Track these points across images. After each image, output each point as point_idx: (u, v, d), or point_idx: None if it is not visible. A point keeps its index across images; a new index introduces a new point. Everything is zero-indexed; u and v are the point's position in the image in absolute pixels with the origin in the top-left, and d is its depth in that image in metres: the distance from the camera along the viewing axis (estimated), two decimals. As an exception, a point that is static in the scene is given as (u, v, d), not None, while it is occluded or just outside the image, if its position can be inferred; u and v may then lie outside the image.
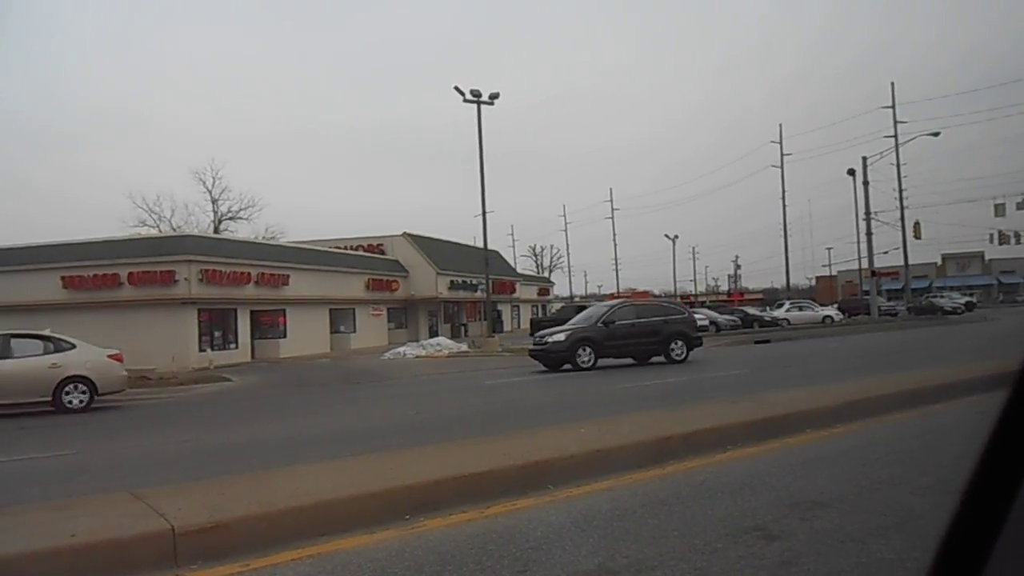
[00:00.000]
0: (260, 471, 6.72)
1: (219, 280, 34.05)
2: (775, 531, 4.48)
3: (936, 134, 48.14)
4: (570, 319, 37.85)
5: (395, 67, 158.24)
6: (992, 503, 0.86)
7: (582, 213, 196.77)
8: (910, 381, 11.09)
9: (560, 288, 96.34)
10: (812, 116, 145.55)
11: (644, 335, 20.14)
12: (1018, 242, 63.02)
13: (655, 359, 20.31)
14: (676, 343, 20.34)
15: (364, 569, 4.18)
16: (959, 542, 0.89)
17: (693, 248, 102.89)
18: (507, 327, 62.35)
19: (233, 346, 35.31)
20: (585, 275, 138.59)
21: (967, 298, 61.11)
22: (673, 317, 20.95)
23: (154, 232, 55.77)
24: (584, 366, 19.24)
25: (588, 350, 19.50)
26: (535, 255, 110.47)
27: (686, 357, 20.17)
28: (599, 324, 20.01)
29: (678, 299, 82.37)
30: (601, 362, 19.54)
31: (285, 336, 38.86)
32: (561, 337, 19.88)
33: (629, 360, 20.25)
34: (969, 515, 0.90)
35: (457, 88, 34.09)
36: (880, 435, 7.87)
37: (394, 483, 5.49)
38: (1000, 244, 62.17)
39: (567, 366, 19.38)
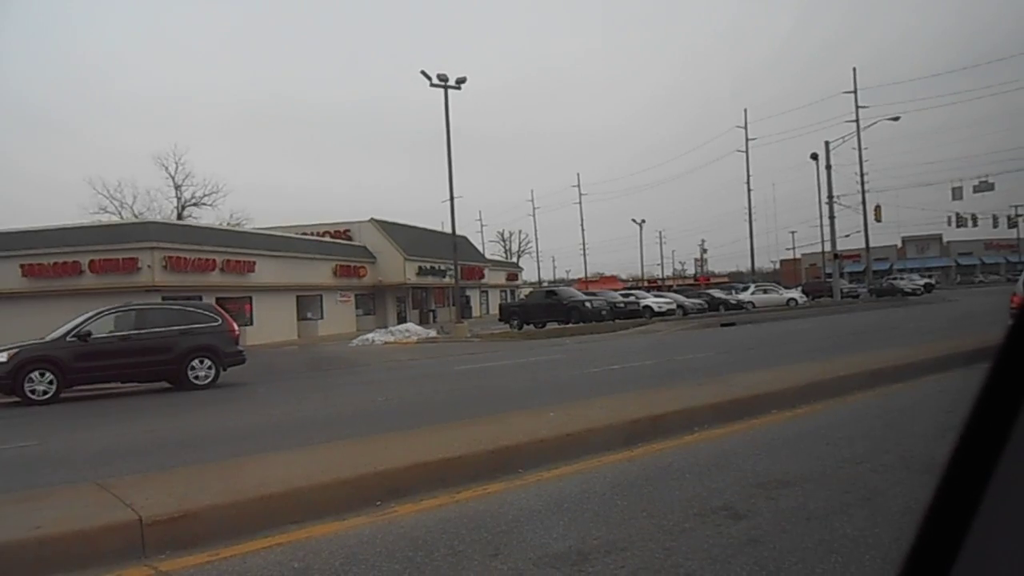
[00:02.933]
0: (229, 460, 6.66)
1: (183, 267, 33.59)
2: (742, 510, 4.56)
3: (896, 119, 48.90)
4: (538, 304, 38.52)
5: (361, 50, 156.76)
6: (970, 484, 0.89)
7: (551, 198, 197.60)
8: (872, 362, 11.31)
9: (529, 273, 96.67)
10: (780, 102, 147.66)
11: (147, 351, 15.46)
12: (975, 225, 64.56)
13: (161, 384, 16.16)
14: (200, 361, 15.81)
15: (335, 556, 4.18)
16: (937, 523, 0.92)
17: (660, 233, 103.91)
18: (476, 313, 62.36)
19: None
20: (553, 260, 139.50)
21: (926, 280, 62.44)
22: (198, 326, 16.14)
23: (115, 219, 54.78)
24: (37, 398, 14.32)
25: (47, 376, 14.57)
26: (503, 240, 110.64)
27: (215, 380, 15.91)
28: (69, 338, 15.06)
29: (645, 282, 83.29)
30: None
31: (251, 323, 38.40)
32: (3, 358, 14.48)
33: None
34: (947, 497, 0.92)
35: (424, 72, 33.83)
36: (843, 415, 8.03)
37: (364, 470, 5.49)
38: (958, 227, 63.73)
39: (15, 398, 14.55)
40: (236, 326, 17.26)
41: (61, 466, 7.64)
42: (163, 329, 15.88)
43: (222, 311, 17.44)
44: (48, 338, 15.29)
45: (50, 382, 14.62)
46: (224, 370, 16.35)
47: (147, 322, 15.97)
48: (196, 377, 15.73)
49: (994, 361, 0.91)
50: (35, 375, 14.56)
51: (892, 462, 5.65)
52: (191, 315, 16.63)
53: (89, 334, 15.16)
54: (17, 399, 14.51)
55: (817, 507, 4.58)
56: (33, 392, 14.44)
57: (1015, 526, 0.85)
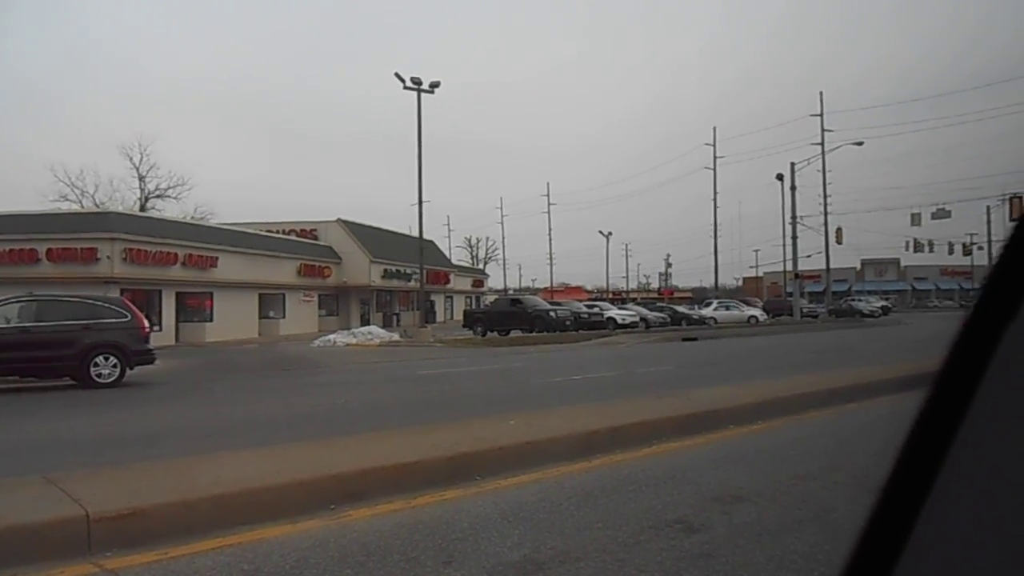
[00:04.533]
0: (181, 457, 6.54)
1: (143, 260, 32.98)
2: (696, 524, 4.60)
3: (860, 143, 49.92)
4: (502, 312, 38.52)
5: (333, 49, 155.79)
6: (907, 503, 0.92)
7: (519, 206, 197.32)
8: (828, 381, 11.51)
9: (495, 280, 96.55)
10: (752, 121, 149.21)
11: (46, 345, 14.58)
12: (931, 250, 66.10)
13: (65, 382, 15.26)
14: (104, 359, 14.95)
15: (287, 559, 4.13)
16: (875, 540, 0.95)
17: (627, 245, 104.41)
18: (440, 318, 62.13)
19: (157, 328, 34.02)
20: (520, 268, 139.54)
21: (884, 302, 63.72)
22: (104, 321, 15.23)
23: (76, 208, 53.64)
24: None
25: None
26: (470, 246, 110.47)
27: (120, 378, 15.10)
28: None
29: (609, 294, 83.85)
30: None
31: (212, 320, 37.87)
32: None
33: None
34: (885, 514, 0.95)
35: (397, 75, 33.69)
36: (798, 432, 8.15)
37: (321, 472, 5.44)
38: (915, 252, 65.18)
39: None
40: (147, 323, 16.46)
41: (7, 457, 7.44)
42: (65, 323, 14.98)
43: (132, 307, 16.57)
44: None
45: None
46: (131, 368, 15.50)
47: (49, 314, 15.12)
48: (99, 375, 14.89)
49: (932, 383, 0.95)
50: None
51: (844, 480, 5.74)
52: (97, 309, 15.65)
53: None
54: None
55: (770, 523, 4.63)
56: None
57: (948, 542, 0.88)
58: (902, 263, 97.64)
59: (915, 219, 57.49)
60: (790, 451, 7.02)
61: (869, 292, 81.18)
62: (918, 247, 64.93)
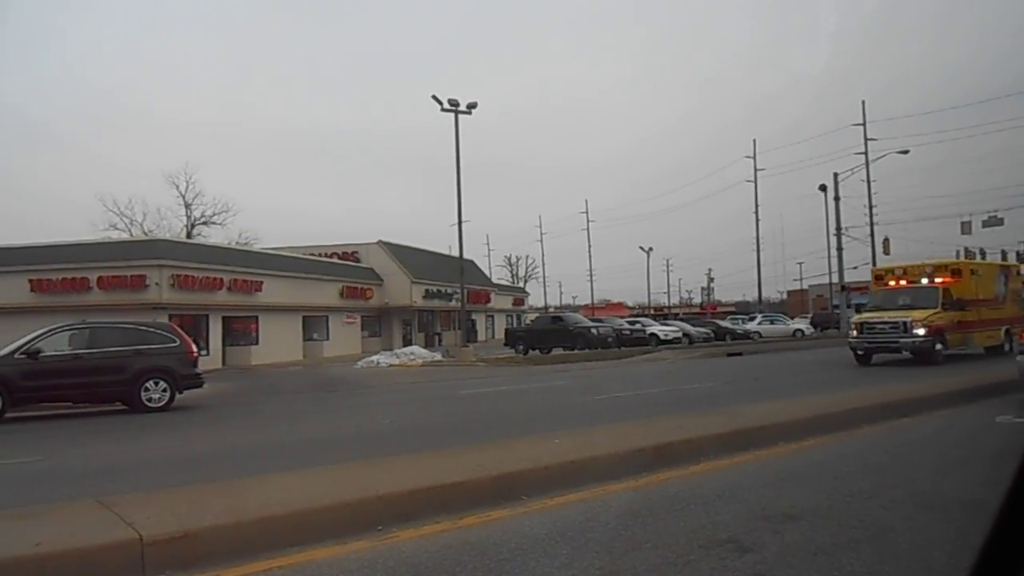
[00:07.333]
0: (231, 480, 6.62)
1: (191, 285, 33.68)
2: (747, 543, 4.50)
3: (905, 152, 48.95)
4: (543, 329, 38.42)
5: (373, 74, 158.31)
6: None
7: (558, 224, 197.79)
8: (881, 395, 11.24)
9: (535, 299, 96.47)
10: (790, 132, 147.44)
11: (99, 371, 14.92)
12: (983, 259, 64.26)
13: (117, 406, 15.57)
14: (154, 383, 15.29)
15: (336, 580, 4.14)
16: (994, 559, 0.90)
17: (667, 261, 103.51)
18: (481, 337, 62.26)
19: (204, 353, 34.74)
20: (560, 286, 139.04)
21: None
22: (154, 347, 15.62)
23: (125, 236, 55.07)
24: None
25: None
26: (510, 265, 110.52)
27: (169, 402, 15.40)
28: (18, 356, 14.58)
29: (651, 310, 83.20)
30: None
31: (257, 343, 38.47)
32: None
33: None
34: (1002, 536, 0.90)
35: (435, 97, 34.05)
36: (851, 448, 7.96)
37: (366, 493, 5.45)
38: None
39: None
40: (194, 348, 16.72)
41: (62, 482, 7.61)
42: (117, 348, 15.31)
43: (180, 332, 16.85)
44: None
45: None
46: (180, 392, 15.74)
47: (101, 341, 15.44)
48: (149, 399, 15.15)
49: None
50: None
51: (902, 497, 5.58)
52: (147, 335, 15.97)
53: (39, 352, 14.65)
54: None
55: (824, 542, 4.51)
56: None
57: None
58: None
59: (965, 227, 55.97)
60: (843, 467, 6.85)
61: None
62: (969, 256, 63.29)
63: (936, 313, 19.56)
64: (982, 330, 21.28)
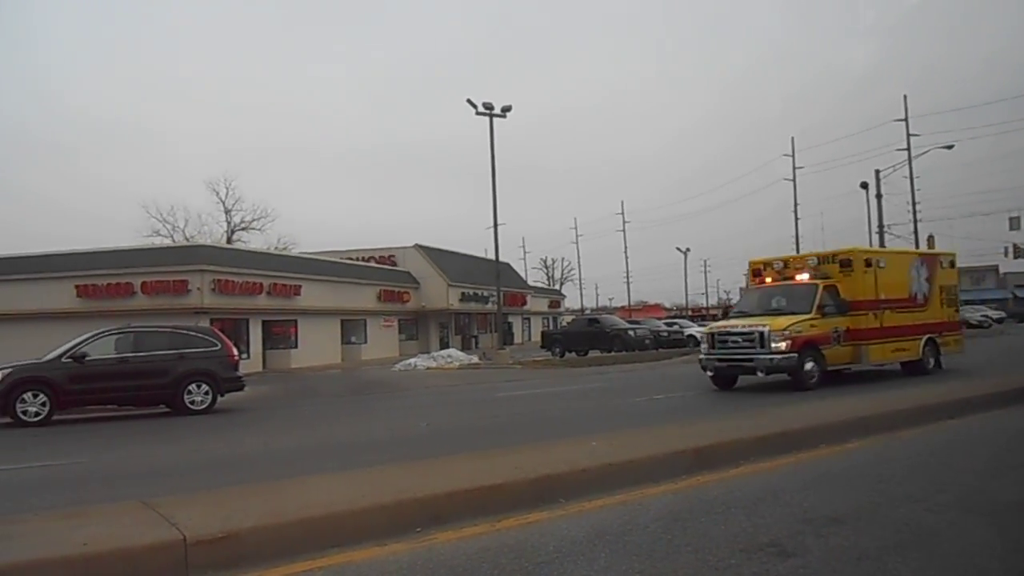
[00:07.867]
0: (271, 481, 6.70)
1: (231, 290, 34.23)
2: (789, 547, 4.42)
3: (950, 147, 47.89)
4: (580, 332, 38.32)
5: (408, 79, 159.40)
6: None
7: (594, 226, 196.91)
8: (924, 396, 11.00)
9: (571, 301, 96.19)
10: (826, 129, 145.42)
11: (143, 375, 15.35)
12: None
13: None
14: (196, 386, 15.59)
15: (375, 582, 4.16)
16: None
17: (705, 261, 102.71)
18: (518, 339, 62.27)
19: (245, 356, 35.29)
20: (596, 288, 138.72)
21: (998, 312, 60.64)
22: (195, 350, 15.92)
23: (168, 242, 56.17)
24: (29, 420, 14.15)
25: (40, 397, 14.38)
26: (546, 267, 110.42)
27: (211, 405, 15.75)
28: (65, 359, 14.94)
29: (689, 311, 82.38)
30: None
31: (296, 346, 38.96)
32: None
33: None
34: None
35: (469, 101, 34.22)
36: (895, 450, 7.79)
37: (405, 495, 5.47)
38: (1015, 258, 61.71)
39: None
40: (235, 351, 17.04)
41: (107, 483, 7.77)
42: (160, 352, 15.65)
43: (222, 336, 17.13)
44: (44, 358, 15.16)
45: (43, 404, 14.35)
46: (222, 395, 16.06)
47: (145, 345, 15.74)
48: (192, 402, 15.48)
49: None
50: (28, 396, 14.29)
51: (948, 501, 5.45)
52: (190, 339, 16.27)
53: (85, 355, 15.01)
54: (9, 420, 14.36)
55: (869, 546, 4.42)
56: (25, 413, 14.20)
57: None
58: (1001, 270, 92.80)
59: (1014, 223, 54.53)
60: (886, 470, 6.70)
61: (966, 302, 77.44)
62: (1018, 252, 61.59)
63: (806, 320, 14.81)
64: (886, 341, 16.11)
